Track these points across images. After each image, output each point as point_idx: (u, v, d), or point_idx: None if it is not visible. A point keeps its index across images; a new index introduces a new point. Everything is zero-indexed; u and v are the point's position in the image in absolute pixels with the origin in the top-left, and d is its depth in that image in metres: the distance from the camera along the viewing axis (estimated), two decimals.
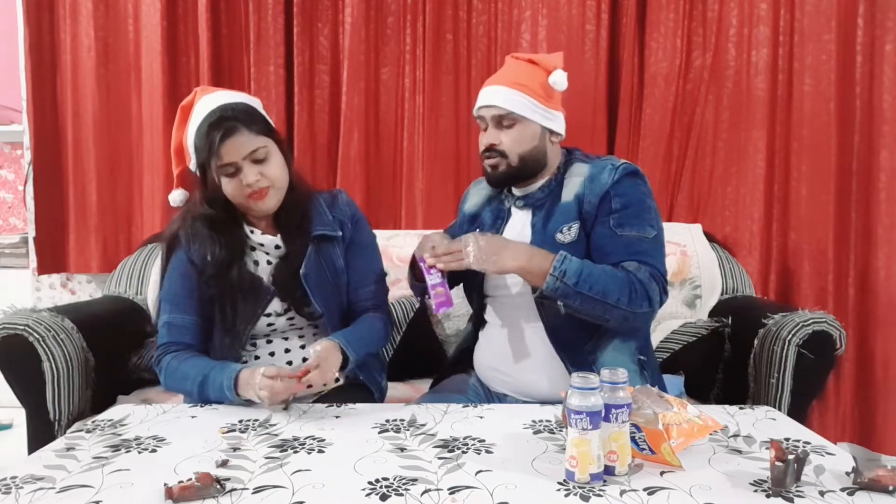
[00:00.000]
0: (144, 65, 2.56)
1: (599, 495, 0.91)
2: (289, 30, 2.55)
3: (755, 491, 0.92)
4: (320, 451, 1.09)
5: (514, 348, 1.52)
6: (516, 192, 1.58)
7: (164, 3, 2.48)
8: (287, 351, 1.52)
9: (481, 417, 1.27)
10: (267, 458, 1.06)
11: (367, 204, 2.54)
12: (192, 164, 1.45)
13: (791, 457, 0.92)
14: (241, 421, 1.24)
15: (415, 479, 0.96)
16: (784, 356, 1.75)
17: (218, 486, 0.92)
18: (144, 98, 2.57)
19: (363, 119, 2.54)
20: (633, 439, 1.00)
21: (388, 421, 1.24)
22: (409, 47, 2.54)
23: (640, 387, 1.09)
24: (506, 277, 1.51)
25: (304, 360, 1.42)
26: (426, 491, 0.92)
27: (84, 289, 2.75)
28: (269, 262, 1.51)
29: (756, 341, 1.87)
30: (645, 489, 0.93)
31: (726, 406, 1.33)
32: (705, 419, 1.07)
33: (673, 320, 2.16)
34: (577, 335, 1.45)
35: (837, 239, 2.42)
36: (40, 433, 1.74)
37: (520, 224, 1.55)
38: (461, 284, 1.66)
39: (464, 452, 1.07)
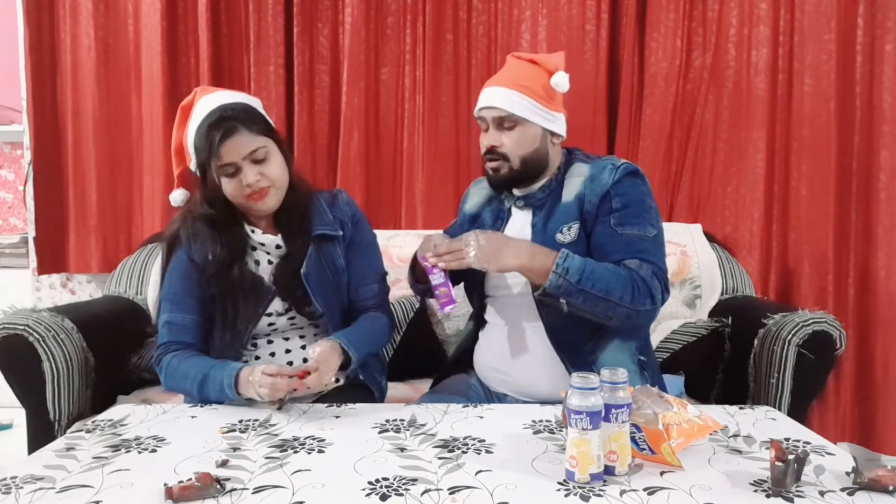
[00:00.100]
0: (144, 65, 2.56)
1: (599, 495, 0.91)
2: (289, 30, 2.55)
3: (755, 491, 0.92)
4: (320, 451, 1.09)
5: (514, 348, 1.52)
6: (516, 192, 1.57)
7: (164, 3, 2.48)
8: (288, 351, 1.52)
9: (481, 417, 1.27)
10: (267, 458, 1.06)
11: (367, 204, 2.54)
12: (193, 165, 1.45)
13: (791, 457, 0.92)
14: (241, 421, 1.24)
15: (415, 479, 0.96)
16: (784, 356, 1.75)
17: (218, 486, 0.92)
18: (144, 98, 2.57)
19: (363, 119, 2.54)
20: (633, 439, 1.00)
21: (388, 421, 1.24)
22: (409, 47, 2.55)
23: (640, 387, 1.09)
24: (506, 277, 1.51)
25: (305, 360, 1.42)
26: (426, 491, 0.92)
27: (84, 289, 2.75)
28: (269, 262, 1.51)
29: (756, 341, 1.87)
30: (645, 489, 0.93)
31: (726, 406, 1.33)
32: (705, 419, 1.07)
33: (673, 320, 2.16)
34: (578, 335, 1.45)
35: (837, 239, 2.42)
36: (40, 433, 1.74)
37: (520, 224, 1.55)
38: (461, 284, 1.66)
39: (464, 452, 1.07)
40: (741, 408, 1.33)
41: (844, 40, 2.40)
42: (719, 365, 2.04)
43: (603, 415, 0.95)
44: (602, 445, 0.95)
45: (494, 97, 1.49)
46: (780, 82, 2.44)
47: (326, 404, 1.35)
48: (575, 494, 0.91)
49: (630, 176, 1.47)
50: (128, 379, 2.01)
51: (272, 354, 1.51)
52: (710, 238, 2.41)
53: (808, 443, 1.13)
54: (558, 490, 0.93)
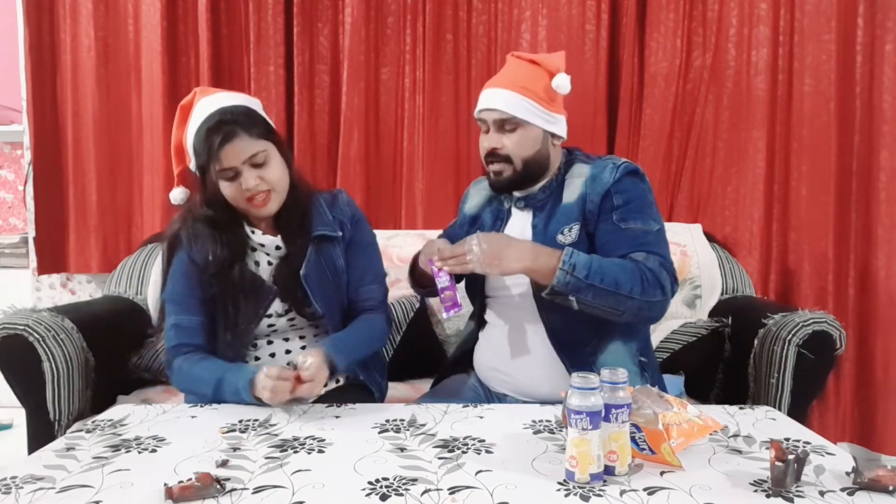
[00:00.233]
0: (144, 65, 2.56)
1: (599, 495, 0.91)
2: (289, 30, 2.55)
3: (755, 491, 0.92)
4: (320, 451, 1.09)
5: (514, 348, 1.51)
6: (517, 192, 1.57)
7: (164, 3, 2.48)
8: (288, 352, 1.52)
9: (481, 417, 1.27)
10: (267, 458, 1.06)
11: (367, 204, 2.54)
12: (192, 165, 1.45)
13: (791, 457, 0.92)
14: (241, 421, 1.24)
15: (415, 479, 0.96)
16: (784, 356, 1.75)
17: (218, 486, 0.92)
18: (144, 98, 2.57)
19: (363, 119, 2.54)
20: (633, 439, 1.00)
21: (388, 421, 1.24)
22: (409, 47, 2.55)
23: (640, 387, 1.09)
24: (507, 278, 1.50)
25: (295, 367, 1.39)
26: (426, 491, 0.92)
27: (84, 289, 2.75)
28: (269, 263, 1.51)
29: (756, 341, 1.87)
30: (645, 489, 0.93)
31: (726, 406, 1.33)
32: (705, 419, 1.07)
33: (673, 320, 2.16)
34: (578, 336, 1.44)
35: (837, 239, 2.42)
36: (40, 433, 1.74)
37: (520, 225, 1.55)
38: (462, 284, 1.66)
39: (464, 452, 1.07)
40: (741, 408, 1.32)
41: (844, 40, 2.40)
42: (719, 365, 2.04)
43: (603, 415, 0.95)
44: (602, 445, 0.95)
45: (495, 99, 1.48)
46: (780, 82, 2.44)
47: (326, 404, 1.35)
48: (575, 494, 0.91)
49: (630, 175, 1.47)
50: (128, 379, 2.01)
51: (272, 355, 1.51)
52: (710, 238, 2.41)
53: (808, 443, 1.12)
54: (558, 490, 0.93)
